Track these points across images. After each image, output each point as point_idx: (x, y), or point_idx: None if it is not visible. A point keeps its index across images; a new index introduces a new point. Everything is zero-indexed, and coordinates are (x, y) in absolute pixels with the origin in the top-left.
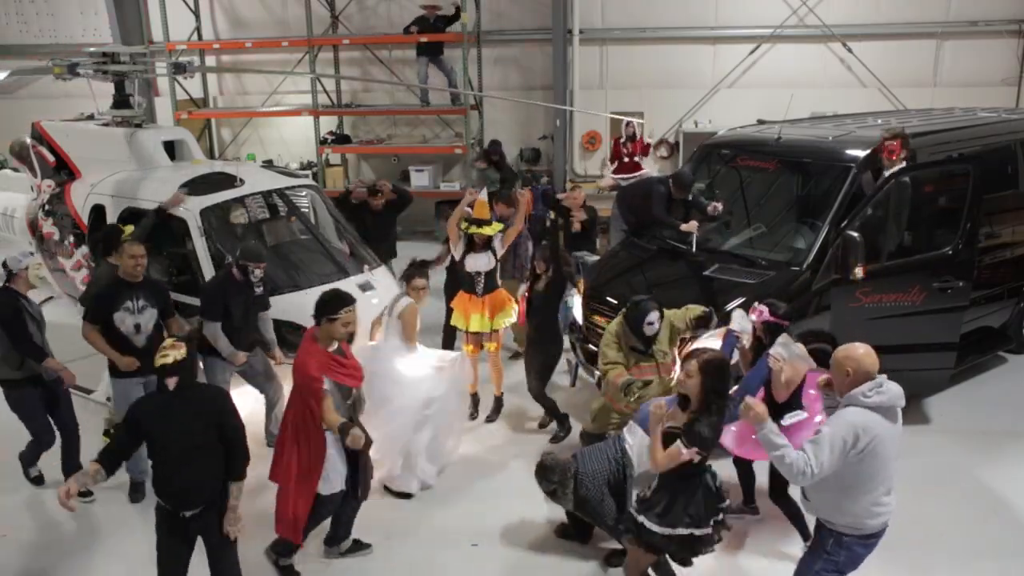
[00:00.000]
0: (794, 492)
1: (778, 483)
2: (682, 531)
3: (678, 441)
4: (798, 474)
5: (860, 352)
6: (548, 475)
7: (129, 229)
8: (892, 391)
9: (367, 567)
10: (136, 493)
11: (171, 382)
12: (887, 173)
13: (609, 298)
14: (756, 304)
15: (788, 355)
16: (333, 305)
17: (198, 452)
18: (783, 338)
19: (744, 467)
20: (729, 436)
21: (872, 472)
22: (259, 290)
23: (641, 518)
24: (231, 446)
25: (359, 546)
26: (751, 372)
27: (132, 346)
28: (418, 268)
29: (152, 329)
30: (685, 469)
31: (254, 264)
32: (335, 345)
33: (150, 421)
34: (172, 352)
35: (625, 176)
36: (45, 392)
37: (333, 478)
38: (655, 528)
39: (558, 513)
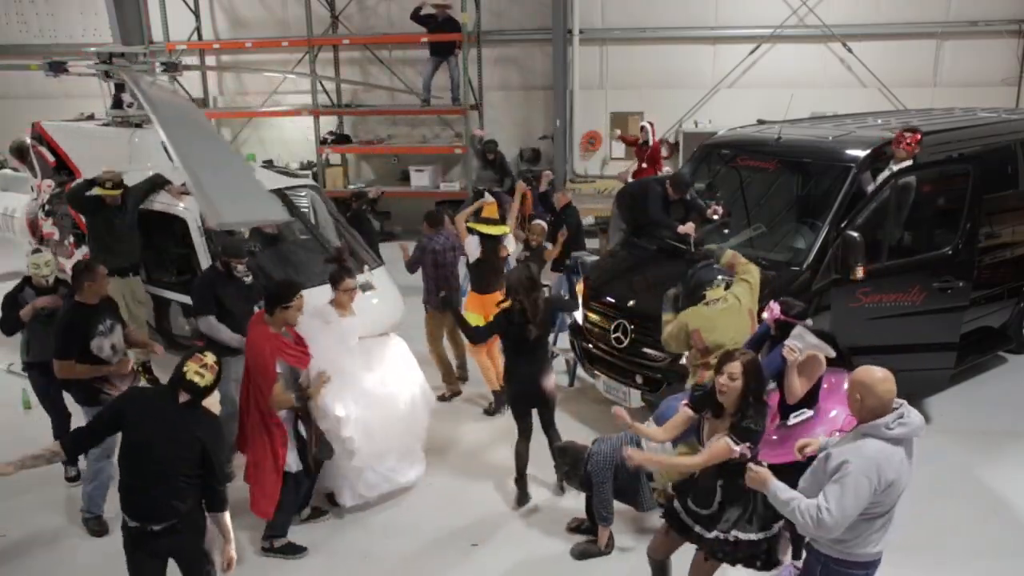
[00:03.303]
0: None
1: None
2: (755, 535)
3: (726, 438)
4: (812, 523)
5: (877, 377)
6: (563, 458)
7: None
8: (915, 422)
9: (366, 566)
10: (98, 527)
11: (183, 397)
12: (895, 168)
13: (609, 298)
14: (771, 302)
15: (803, 346)
16: (287, 294)
17: (176, 469)
18: (799, 328)
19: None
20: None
21: (883, 505)
22: (248, 279)
23: (732, 533)
24: (211, 475)
25: (318, 512)
26: (764, 362)
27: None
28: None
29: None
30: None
31: (236, 260)
32: (283, 329)
33: (136, 417)
34: (206, 373)
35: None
36: None
37: (291, 459)
38: (744, 536)
39: (557, 513)
